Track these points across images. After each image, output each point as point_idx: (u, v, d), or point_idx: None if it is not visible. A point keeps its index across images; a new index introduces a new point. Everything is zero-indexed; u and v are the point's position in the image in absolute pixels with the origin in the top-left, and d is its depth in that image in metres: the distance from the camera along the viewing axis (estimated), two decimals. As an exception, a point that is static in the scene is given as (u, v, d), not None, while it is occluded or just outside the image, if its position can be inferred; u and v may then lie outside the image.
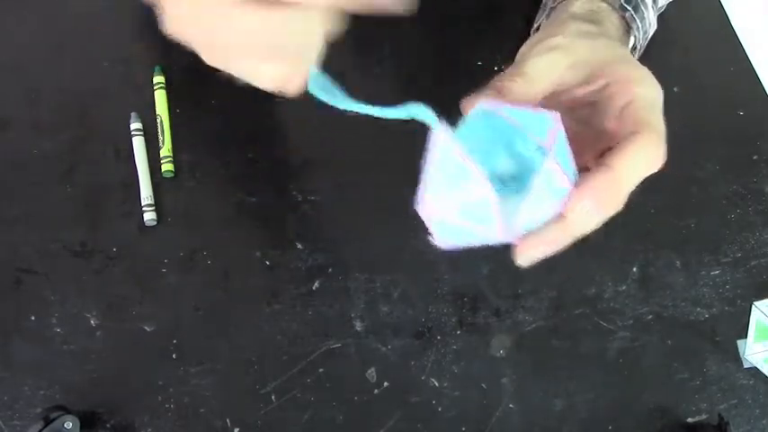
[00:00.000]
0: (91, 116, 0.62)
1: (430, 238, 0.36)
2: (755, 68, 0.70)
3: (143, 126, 0.61)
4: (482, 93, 0.38)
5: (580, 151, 0.37)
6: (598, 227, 0.36)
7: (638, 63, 0.40)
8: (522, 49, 0.44)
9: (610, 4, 0.47)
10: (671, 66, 0.69)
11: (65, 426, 0.48)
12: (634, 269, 0.60)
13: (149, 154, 0.60)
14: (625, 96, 0.38)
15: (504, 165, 0.36)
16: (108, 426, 0.52)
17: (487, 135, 0.36)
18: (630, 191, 0.36)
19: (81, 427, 0.48)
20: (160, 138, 0.61)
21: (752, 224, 0.63)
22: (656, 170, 0.37)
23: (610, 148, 0.38)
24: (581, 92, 0.41)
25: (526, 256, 0.36)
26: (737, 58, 0.71)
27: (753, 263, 0.61)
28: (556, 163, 0.33)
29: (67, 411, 0.49)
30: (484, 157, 0.34)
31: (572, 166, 0.35)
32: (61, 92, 0.63)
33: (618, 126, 0.38)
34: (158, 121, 0.61)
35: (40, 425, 0.47)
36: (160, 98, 0.62)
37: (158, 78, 0.63)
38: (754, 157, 0.66)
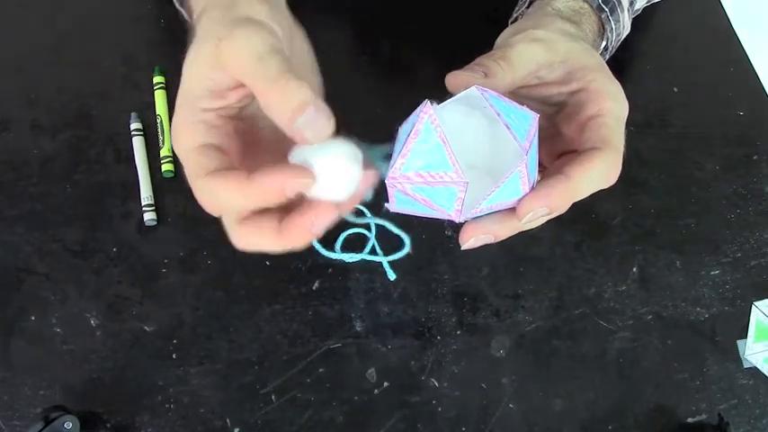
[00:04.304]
0: (91, 116, 0.62)
1: (386, 204, 0.36)
2: (755, 68, 0.70)
3: (143, 126, 0.61)
4: (468, 69, 0.39)
5: (539, 145, 0.38)
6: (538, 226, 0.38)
7: (612, 76, 0.41)
8: (503, 35, 0.44)
9: (590, 4, 0.47)
10: (671, 66, 0.69)
11: (65, 426, 0.48)
12: (634, 269, 0.60)
13: (149, 154, 0.60)
14: (595, 107, 0.39)
15: (477, 152, 0.36)
16: (108, 426, 0.52)
17: (469, 118, 0.36)
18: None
19: (81, 427, 0.48)
20: (160, 138, 0.61)
21: (752, 224, 0.63)
22: (608, 186, 0.38)
23: (567, 153, 0.39)
24: (554, 90, 0.41)
25: (470, 242, 0.37)
26: (737, 58, 0.71)
27: (753, 263, 0.61)
28: (526, 166, 0.34)
29: (67, 411, 0.48)
30: (460, 140, 0.34)
31: (536, 169, 0.36)
32: (61, 92, 0.63)
33: (580, 135, 0.39)
34: (158, 121, 0.61)
35: (40, 425, 0.47)
36: (160, 98, 0.62)
37: (158, 78, 0.63)
38: (754, 157, 0.66)
